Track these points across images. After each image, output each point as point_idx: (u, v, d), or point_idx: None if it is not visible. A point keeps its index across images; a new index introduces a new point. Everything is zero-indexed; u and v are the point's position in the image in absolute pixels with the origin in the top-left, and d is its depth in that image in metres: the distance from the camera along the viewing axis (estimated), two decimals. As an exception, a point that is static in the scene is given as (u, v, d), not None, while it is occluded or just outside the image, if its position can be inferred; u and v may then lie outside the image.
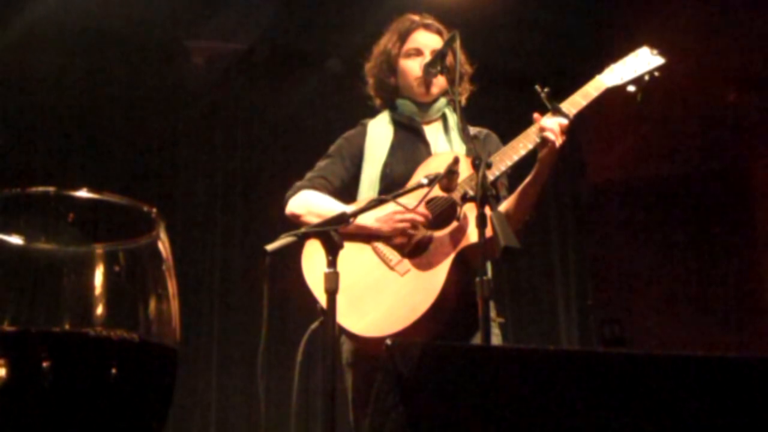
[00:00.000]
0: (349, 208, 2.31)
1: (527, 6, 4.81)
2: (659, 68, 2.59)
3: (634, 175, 5.77)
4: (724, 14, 4.76)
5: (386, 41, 2.76)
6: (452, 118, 2.71)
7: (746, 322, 5.34)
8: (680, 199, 5.61)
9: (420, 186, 2.17)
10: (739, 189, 5.58)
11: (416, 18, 2.74)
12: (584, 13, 4.99)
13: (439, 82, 2.66)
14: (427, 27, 2.72)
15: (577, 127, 5.21)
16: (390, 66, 2.73)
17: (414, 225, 2.39)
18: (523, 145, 2.43)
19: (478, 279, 1.92)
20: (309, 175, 2.66)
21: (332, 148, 2.73)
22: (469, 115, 2.34)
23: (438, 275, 2.32)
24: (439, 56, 2.47)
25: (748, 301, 5.43)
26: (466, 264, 2.37)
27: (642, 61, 2.60)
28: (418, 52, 2.69)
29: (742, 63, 5.04)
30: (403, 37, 2.72)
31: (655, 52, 2.61)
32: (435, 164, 2.47)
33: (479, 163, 2.03)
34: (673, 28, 4.75)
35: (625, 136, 5.55)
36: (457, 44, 2.29)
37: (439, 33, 2.72)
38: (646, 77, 2.59)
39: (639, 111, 4.87)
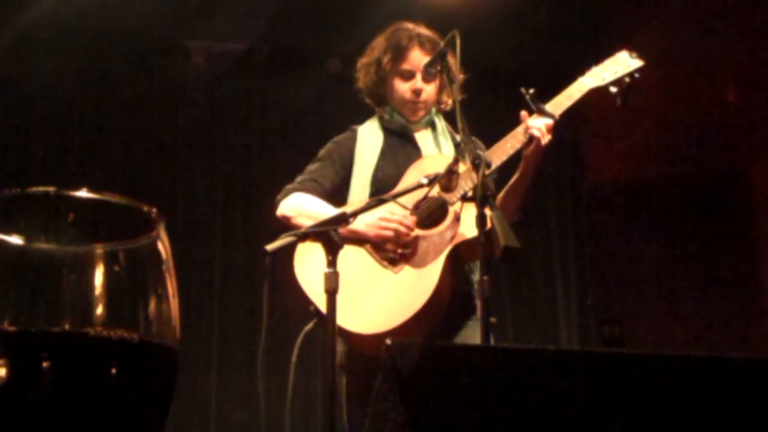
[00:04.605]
0: (342, 210, 2.31)
1: (525, 7, 4.81)
2: (639, 70, 2.60)
3: (635, 175, 5.75)
4: (723, 14, 4.76)
5: (380, 52, 2.69)
6: (440, 124, 2.73)
7: (746, 322, 5.33)
8: (680, 199, 5.60)
9: (420, 186, 2.17)
10: (740, 189, 5.57)
11: (413, 32, 2.66)
12: (583, 14, 4.99)
13: (428, 101, 2.66)
14: (422, 46, 2.64)
15: (577, 126, 5.26)
16: (381, 78, 2.70)
17: (397, 235, 2.38)
18: (511, 144, 2.44)
19: (477, 279, 1.92)
20: (299, 178, 2.65)
21: (322, 152, 2.72)
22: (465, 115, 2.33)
23: (433, 272, 2.33)
24: (438, 56, 2.46)
25: (748, 301, 5.42)
26: (459, 260, 2.40)
27: (621, 64, 2.61)
28: (411, 75, 2.64)
29: (742, 63, 5.03)
30: (398, 54, 2.64)
31: (634, 55, 2.62)
32: (425, 165, 2.48)
33: (479, 162, 2.03)
34: (673, 28, 4.75)
35: (625, 135, 5.55)
36: (457, 44, 2.29)
37: (435, 50, 2.60)
38: (627, 79, 2.59)
39: (639, 110, 4.87)
